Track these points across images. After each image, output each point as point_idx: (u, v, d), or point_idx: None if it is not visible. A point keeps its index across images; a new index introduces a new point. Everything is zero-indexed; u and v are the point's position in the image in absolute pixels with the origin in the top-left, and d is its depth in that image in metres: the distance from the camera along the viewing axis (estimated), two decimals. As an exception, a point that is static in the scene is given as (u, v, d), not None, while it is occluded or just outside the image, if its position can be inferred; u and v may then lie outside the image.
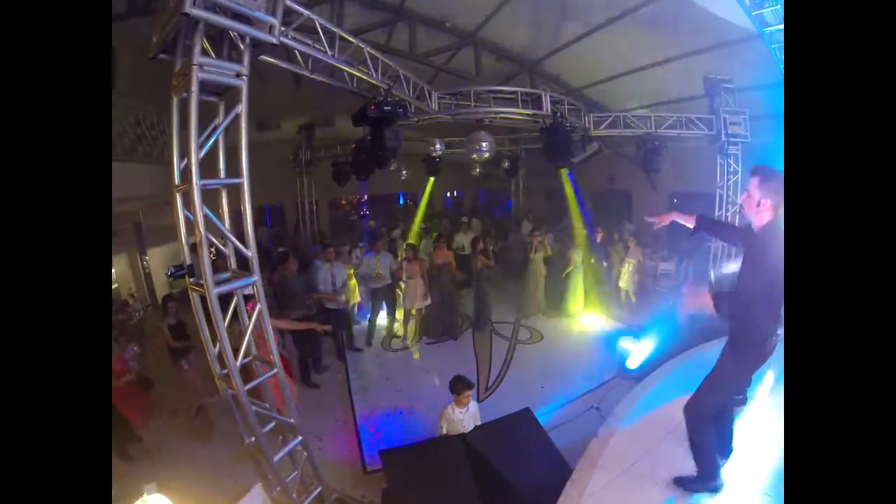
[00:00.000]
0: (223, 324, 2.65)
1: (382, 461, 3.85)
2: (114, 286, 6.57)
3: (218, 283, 2.63)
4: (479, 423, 4.08)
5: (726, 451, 2.87)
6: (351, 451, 4.64)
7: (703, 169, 6.95)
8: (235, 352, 2.90)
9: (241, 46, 2.55)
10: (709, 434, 2.65)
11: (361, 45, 3.49)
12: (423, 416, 4.97)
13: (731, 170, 6.27)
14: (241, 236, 2.76)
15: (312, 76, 3.26)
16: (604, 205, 10.28)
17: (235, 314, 2.92)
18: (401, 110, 3.73)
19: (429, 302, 6.94)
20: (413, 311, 6.93)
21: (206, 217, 2.46)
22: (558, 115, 5.08)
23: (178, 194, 2.57)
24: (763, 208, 2.19)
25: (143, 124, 5.83)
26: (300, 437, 3.34)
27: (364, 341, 6.95)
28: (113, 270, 6.65)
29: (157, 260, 7.16)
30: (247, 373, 3.05)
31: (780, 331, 2.22)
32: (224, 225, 2.74)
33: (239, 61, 2.55)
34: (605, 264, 7.81)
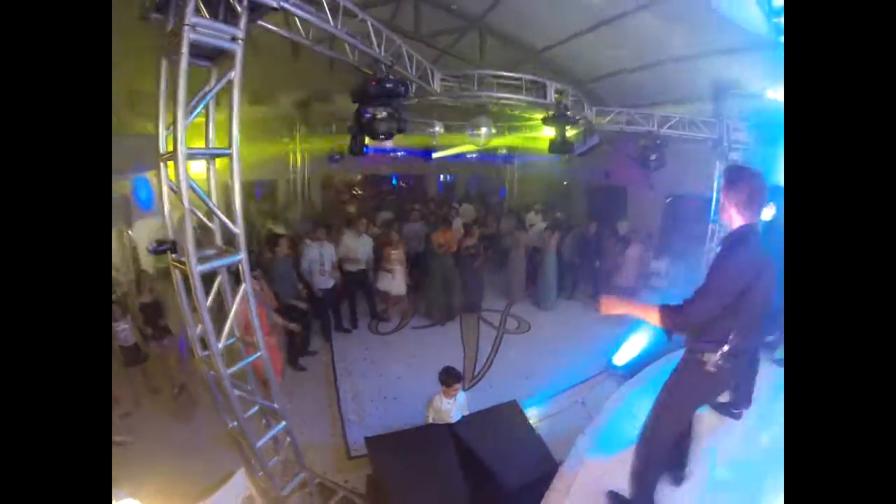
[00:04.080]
0: (206, 303, 2.49)
1: (368, 448, 3.76)
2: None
3: (202, 260, 2.46)
4: (466, 413, 4.00)
5: (682, 462, 2.72)
6: (335, 435, 4.54)
7: (700, 171, 6.87)
8: (218, 332, 2.76)
9: (238, 8, 2.34)
10: (658, 471, 2.43)
11: (366, 17, 3.28)
12: (408, 401, 4.90)
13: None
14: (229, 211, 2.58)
15: (312, 46, 3.04)
16: (598, 200, 10.17)
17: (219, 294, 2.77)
18: (403, 88, 3.54)
19: (403, 292, 6.78)
20: (391, 297, 6.81)
21: (191, 189, 2.28)
22: (562, 105, 4.92)
23: (162, 164, 2.38)
24: (726, 212, 2.07)
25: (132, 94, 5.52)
26: (284, 422, 3.21)
27: (349, 323, 6.82)
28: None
29: (142, 232, 6.88)
30: (230, 354, 2.91)
31: (726, 347, 2.03)
32: (211, 198, 2.57)
33: (235, 24, 2.34)
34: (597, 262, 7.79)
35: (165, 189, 2.44)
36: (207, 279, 2.54)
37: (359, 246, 6.58)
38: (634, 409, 4.00)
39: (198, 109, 2.26)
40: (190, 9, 2.08)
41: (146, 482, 3.78)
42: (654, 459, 2.40)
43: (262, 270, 5.50)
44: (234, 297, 2.74)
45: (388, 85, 3.45)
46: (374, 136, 3.59)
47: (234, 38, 2.28)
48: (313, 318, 6.06)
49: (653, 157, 6.40)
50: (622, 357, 5.52)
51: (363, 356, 6.03)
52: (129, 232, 6.78)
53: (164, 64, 2.28)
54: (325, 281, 5.99)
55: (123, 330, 4.51)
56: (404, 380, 5.41)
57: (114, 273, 6.00)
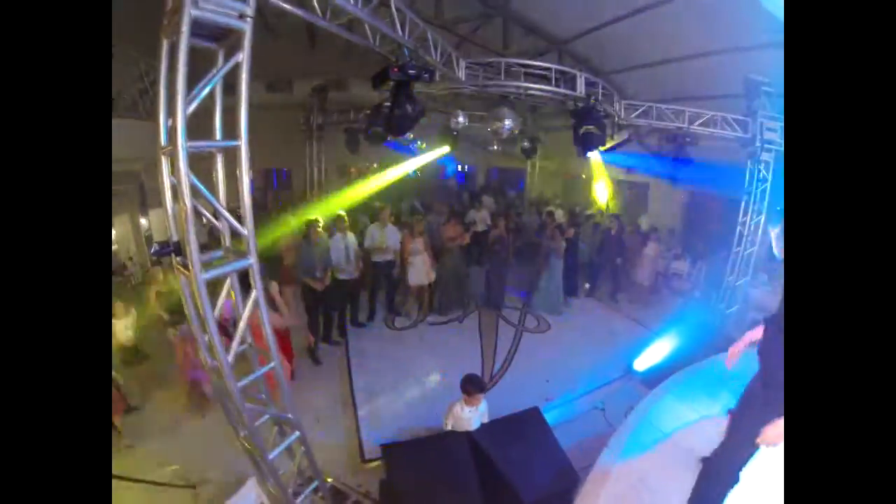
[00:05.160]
0: (212, 313, 2.18)
1: (384, 455, 3.51)
2: (113, 248, 6.05)
3: (208, 266, 2.15)
4: (486, 421, 3.71)
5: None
6: (349, 436, 4.28)
7: (725, 170, 6.39)
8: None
9: (248, -19, 1.98)
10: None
11: (389, -4, 2.89)
12: (425, 400, 4.63)
13: (761, 177, 5.70)
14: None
15: (330, 27, 2.66)
16: (619, 195, 9.69)
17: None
18: (426, 75, 3.15)
19: (432, 279, 6.45)
20: (417, 288, 6.49)
21: (193, 186, 1.95)
22: (592, 98, 4.48)
23: (163, 157, 2.05)
24: None
25: (146, 79, 5.18)
26: (298, 433, 2.94)
27: (366, 317, 6.51)
28: (113, 231, 6.12)
29: (158, 221, 6.63)
30: (241, 359, 2.63)
31: None
32: (218, 195, 2.24)
33: (244, 0, 1.98)
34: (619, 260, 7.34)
35: (167, 185, 2.12)
36: (216, 281, 2.25)
37: (386, 236, 6.23)
38: (658, 422, 3.72)
39: (200, 96, 1.91)
40: (192, -20, 1.73)
41: (155, 480, 3.58)
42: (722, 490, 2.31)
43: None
44: (244, 301, 2.44)
45: (410, 71, 3.05)
46: (395, 133, 3.22)
47: (242, 15, 1.92)
48: (331, 310, 5.78)
49: (679, 153, 5.93)
50: (643, 362, 5.16)
51: (379, 352, 5.71)
52: (144, 220, 6.52)
53: (164, 45, 1.93)
54: (348, 272, 5.69)
55: (125, 328, 4.25)
56: (421, 378, 5.12)
57: (128, 263, 5.77)
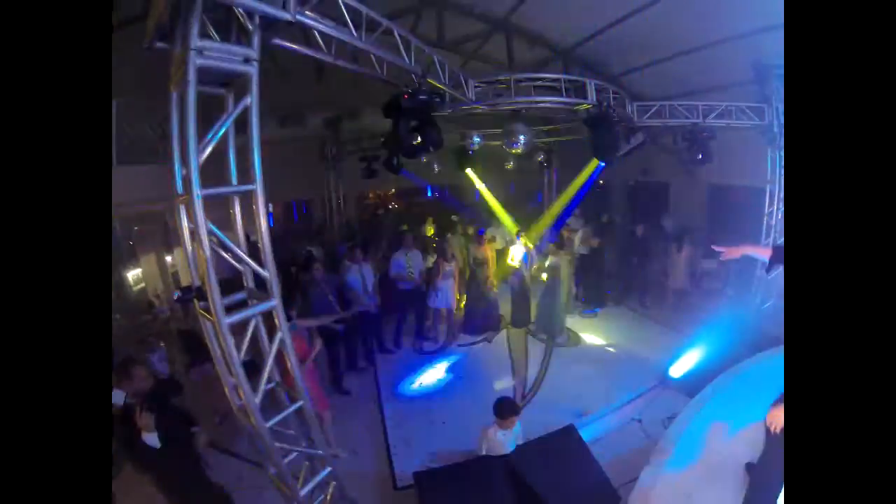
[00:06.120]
0: (238, 357, 2.13)
1: (417, 484, 3.38)
2: (140, 286, 6.19)
3: (231, 309, 2.12)
4: (521, 442, 3.55)
5: None
6: (380, 463, 4.16)
7: (747, 160, 6.10)
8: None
9: (250, 27, 1.97)
10: None
11: (391, 25, 2.86)
12: (457, 424, 4.47)
13: (783, 164, 5.41)
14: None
15: (336, 62, 2.65)
16: (639, 197, 9.35)
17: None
18: (437, 100, 3.10)
19: (452, 306, 6.27)
20: (442, 311, 6.35)
21: (212, 232, 1.93)
22: (604, 104, 4.35)
23: (180, 206, 2.04)
24: None
25: (165, 125, 5.32)
26: (329, 468, 2.86)
27: (393, 344, 6.35)
28: (140, 271, 6.26)
29: (183, 259, 6.76)
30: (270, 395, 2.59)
31: None
32: (238, 238, 2.22)
33: (248, 44, 1.97)
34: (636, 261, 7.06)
35: (186, 231, 2.10)
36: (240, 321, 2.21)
37: (411, 263, 6.07)
38: (701, 433, 3.51)
39: (212, 143, 1.89)
40: (194, 31, 1.72)
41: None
42: None
43: (300, 293, 5.15)
44: (269, 340, 2.40)
45: (421, 97, 3.01)
46: (412, 156, 3.16)
47: (247, 60, 1.91)
48: (357, 340, 5.69)
49: (698, 149, 5.70)
50: (679, 368, 4.89)
51: (409, 378, 5.55)
52: (169, 258, 6.63)
53: (173, 96, 1.93)
54: (367, 302, 5.49)
55: (159, 361, 4.27)
56: (452, 401, 4.96)
57: (154, 300, 5.86)
